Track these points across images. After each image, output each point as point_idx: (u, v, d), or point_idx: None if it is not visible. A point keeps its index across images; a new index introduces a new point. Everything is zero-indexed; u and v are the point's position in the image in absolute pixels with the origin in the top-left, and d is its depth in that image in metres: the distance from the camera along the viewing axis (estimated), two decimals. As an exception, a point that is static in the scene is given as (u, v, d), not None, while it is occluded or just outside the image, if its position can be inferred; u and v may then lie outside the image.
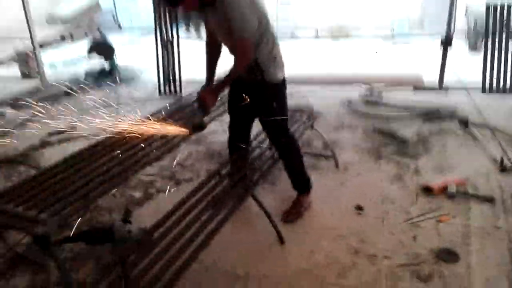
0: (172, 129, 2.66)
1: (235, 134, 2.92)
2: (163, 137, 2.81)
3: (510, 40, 4.84)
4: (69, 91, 5.80)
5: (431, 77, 5.74)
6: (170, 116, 3.13)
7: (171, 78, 5.68)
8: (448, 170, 3.36)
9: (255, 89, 2.52)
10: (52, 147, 4.25)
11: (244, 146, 2.98)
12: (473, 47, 6.77)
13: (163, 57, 5.63)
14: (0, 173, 3.74)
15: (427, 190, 3.08)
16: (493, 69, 4.90)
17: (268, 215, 2.60)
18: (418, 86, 5.29)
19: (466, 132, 3.99)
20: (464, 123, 4.10)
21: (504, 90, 4.88)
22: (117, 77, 6.37)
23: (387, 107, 4.69)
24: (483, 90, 4.94)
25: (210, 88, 2.55)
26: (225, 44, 2.52)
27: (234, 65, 2.39)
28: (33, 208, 1.99)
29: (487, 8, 4.91)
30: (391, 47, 7.77)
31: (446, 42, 5.03)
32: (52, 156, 4.01)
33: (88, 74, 6.56)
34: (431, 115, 4.36)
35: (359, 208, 2.92)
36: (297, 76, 5.73)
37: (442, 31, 8.02)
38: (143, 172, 3.23)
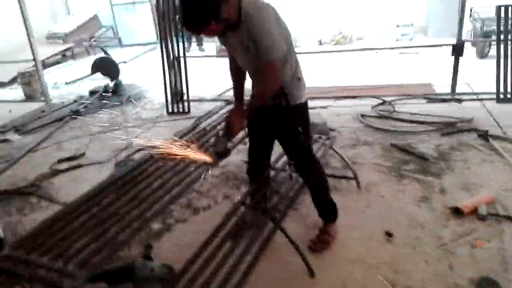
0: (196, 156, 2.57)
1: (256, 160, 2.83)
2: (186, 165, 2.70)
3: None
4: (74, 114, 5.72)
5: (440, 85, 5.70)
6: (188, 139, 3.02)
7: (179, 96, 5.58)
8: (474, 189, 3.27)
9: (278, 113, 2.43)
10: (63, 175, 4.14)
11: (265, 174, 2.90)
12: (481, 53, 6.69)
13: (170, 74, 5.54)
14: (12, 206, 3.63)
15: (457, 212, 2.98)
16: (506, 76, 4.80)
17: (297, 248, 2.50)
18: (430, 97, 5.20)
19: (487, 146, 3.89)
20: (484, 136, 4.02)
21: (519, 100, 4.80)
22: (123, 97, 6.28)
23: (402, 121, 4.60)
24: (498, 99, 4.85)
25: (238, 111, 2.45)
26: (247, 67, 2.41)
27: (262, 88, 2.30)
28: (58, 257, 1.88)
29: (498, 11, 4.82)
30: (397, 56, 7.68)
31: (457, 50, 4.95)
32: (63, 185, 3.91)
33: (93, 94, 6.48)
34: (448, 128, 4.27)
35: (389, 234, 2.81)
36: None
37: (447, 37, 8.01)
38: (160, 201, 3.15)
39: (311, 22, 8.72)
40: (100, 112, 5.84)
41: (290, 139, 2.52)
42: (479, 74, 5.85)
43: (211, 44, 9.09)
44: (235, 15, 2.14)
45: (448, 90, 5.41)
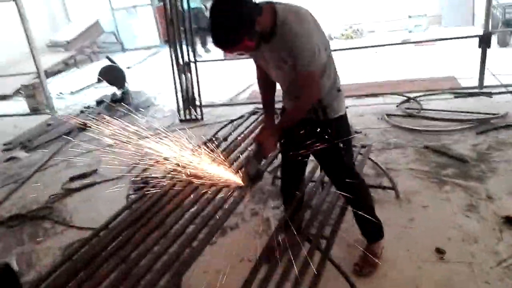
0: (225, 177, 2.31)
1: (290, 177, 2.59)
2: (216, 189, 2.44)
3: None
4: (82, 126, 5.47)
5: (464, 78, 5.42)
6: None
7: (190, 102, 5.33)
8: (524, 193, 3.01)
9: (316, 129, 2.18)
10: (76, 194, 3.91)
11: (300, 192, 2.65)
12: (502, 41, 6.39)
13: (180, 80, 5.28)
14: (24, 233, 3.40)
15: (509, 221, 2.72)
16: (540, 68, 4.52)
17: (347, 277, 2.24)
18: (457, 92, 4.92)
19: (529, 143, 3.63)
20: (524, 133, 3.75)
21: (554, 90, 4.51)
22: (132, 105, 6.03)
23: (431, 119, 4.33)
24: (531, 91, 4.57)
25: (269, 130, 2.19)
26: (280, 80, 2.18)
27: (300, 103, 2.06)
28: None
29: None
30: (413, 48, 7.37)
31: (485, 41, 4.66)
32: (77, 206, 3.68)
33: (100, 104, 6.24)
34: (483, 126, 4.00)
35: (440, 251, 2.55)
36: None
37: (462, 25, 7.70)
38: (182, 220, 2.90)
39: (320, 17, 8.39)
40: (109, 122, 5.59)
41: (330, 158, 2.25)
42: (503, 64, 5.55)
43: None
44: (269, 25, 1.90)
45: (474, 83, 5.12)
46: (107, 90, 6.73)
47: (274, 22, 1.89)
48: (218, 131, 4.27)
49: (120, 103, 6.18)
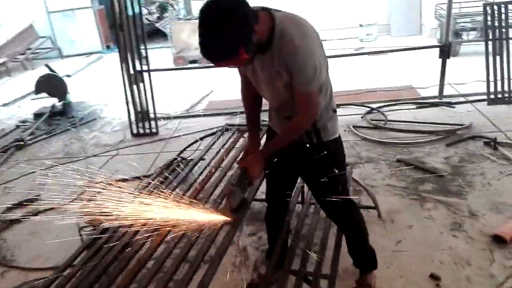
0: (204, 219, 1.97)
1: (276, 205, 2.32)
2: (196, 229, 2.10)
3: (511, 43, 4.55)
4: (19, 142, 4.87)
5: (421, 88, 5.45)
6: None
7: (143, 115, 4.90)
8: (505, 208, 2.94)
9: (307, 153, 1.93)
10: (18, 227, 3.37)
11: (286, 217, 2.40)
12: (453, 51, 6.52)
13: (132, 90, 4.84)
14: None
15: (497, 239, 2.64)
16: (496, 77, 4.60)
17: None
18: (419, 102, 4.91)
19: (498, 155, 3.61)
20: (491, 144, 3.74)
21: (510, 100, 4.60)
22: (75, 119, 5.48)
23: (399, 131, 4.25)
24: (489, 101, 4.64)
25: (255, 155, 1.91)
26: (271, 97, 1.89)
27: (296, 124, 1.81)
28: None
29: (484, 9, 4.60)
30: (364, 57, 7.38)
31: (446, 51, 4.69)
32: (20, 241, 3.16)
33: (38, 118, 5.61)
34: (451, 137, 3.98)
35: (435, 278, 2.39)
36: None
37: (409, 35, 7.86)
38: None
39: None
40: (50, 139, 5.03)
41: (324, 185, 1.98)
42: (456, 73, 5.65)
43: (166, 51, 8.41)
44: (266, 34, 1.62)
45: (432, 92, 5.16)
46: (46, 101, 6.09)
47: (271, 31, 1.62)
48: (183, 150, 3.89)
49: (62, 116, 5.62)
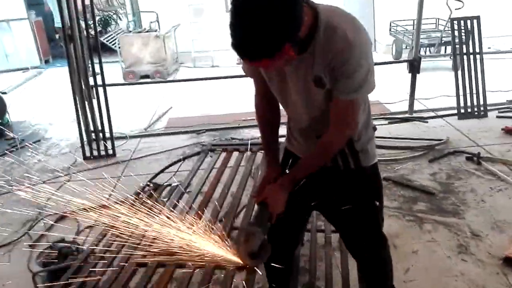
0: (217, 259, 1.58)
1: (284, 247, 1.80)
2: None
3: (477, 58, 4.58)
4: None
5: (388, 103, 5.39)
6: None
7: (96, 135, 4.36)
8: (507, 227, 2.81)
9: (341, 181, 1.59)
10: None
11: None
12: (412, 67, 6.60)
13: (84, 108, 4.30)
14: None
15: (508, 261, 2.47)
16: (466, 92, 4.61)
17: None
18: (391, 118, 4.80)
19: (483, 170, 3.53)
20: (473, 159, 3.66)
21: (480, 114, 4.61)
22: (15, 141, 4.81)
23: (379, 147, 4.07)
24: (459, 115, 4.62)
25: (277, 185, 1.53)
26: (302, 111, 1.51)
27: (326, 143, 1.47)
28: None
29: (452, 24, 4.62)
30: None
31: (415, 66, 4.64)
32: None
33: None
34: (431, 153, 3.87)
35: (457, 310, 2.16)
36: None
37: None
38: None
39: (229, 40, 8.00)
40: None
41: (360, 220, 1.63)
42: (419, 88, 5.65)
43: (114, 66, 7.82)
44: (307, 28, 1.29)
45: (400, 108, 5.10)
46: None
47: (314, 25, 1.30)
48: (156, 175, 3.39)
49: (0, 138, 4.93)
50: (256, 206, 1.54)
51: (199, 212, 1.85)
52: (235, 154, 2.50)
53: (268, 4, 1.12)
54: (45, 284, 2.41)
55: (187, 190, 2.26)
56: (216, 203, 2.03)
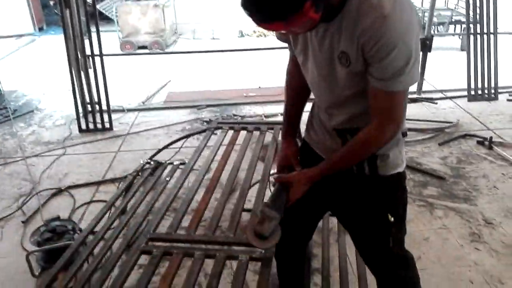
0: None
1: (295, 241, 1.68)
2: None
3: (491, 38, 4.40)
4: None
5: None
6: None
7: (92, 107, 4.18)
8: (519, 214, 2.72)
9: (353, 186, 1.42)
10: None
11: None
12: (423, 45, 6.42)
13: (80, 78, 4.11)
14: None
15: (522, 251, 2.38)
16: (477, 73, 4.45)
17: None
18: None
19: (494, 155, 3.41)
20: (485, 144, 3.54)
21: (490, 97, 4.47)
22: (7, 111, 4.62)
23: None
24: (469, 97, 4.48)
25: (305, 173, 1.37)
26: (322, 91, 1.34)
27: (364, 139, 1.27)
28: None
29: (467, 2, 4.42)
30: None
31: (426, 46, 4.46)
32: None
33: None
34: (441, 136, 3.74)
35: (473, 303, 2.07)
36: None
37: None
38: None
39: (232, 11, 7.70)
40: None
41: (370, 234, 1.47)
42: (428, 68, 5.49)
43: (110, 36, 7.54)
44: None
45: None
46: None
47: None
48: (158, 151, 3.21)
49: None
50: (274, 186, 1.39)
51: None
52: (243, 133, 2.35)
53: None
54: (40, 264, 2.31)
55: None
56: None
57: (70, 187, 3.16)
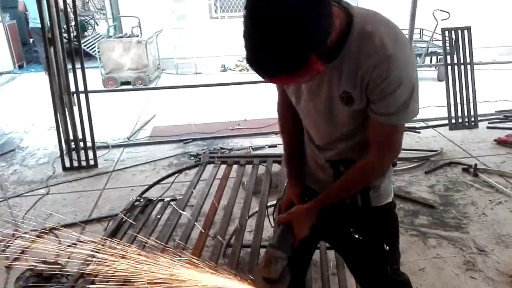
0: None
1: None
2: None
3: (468, 68, 4.56)
4: None
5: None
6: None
7: (76, 144, 4.11)
8: (510, 240, 2.75)
9: (346, 218, 1.43)
10: None
11: None
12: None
13: (64, 115, 4.04)
14: None
15: (518, 279, 2.39)
16: (456, 102, 4.58)
17: None
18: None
19: (480, 182, 3.46)
20: (470, 171, 3.60)
21: (470, 125, 4.59)
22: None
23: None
24: (451, 126, 4.58)
25: (306, 207, 1.37)
26: (320, 129, 1.35)
27: (363, 170, 1.29)
28: None
29: (443, 34, 4.60)
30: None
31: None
32: None
33: None
34: (427, 164, 3.80)
35: (474, 334, 2.05)
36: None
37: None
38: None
39: (214, 46, 7.82)
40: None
41: (367, 264, 1.48)
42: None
43: (92, 72, 7.53)
44: (338, 34, 1.11)
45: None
46: None
47: (346, 31, 1.12)
48: (149, 187, 3.13)
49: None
50: (280, 229, 1.37)
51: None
52: (235, 167, 2.34)
53: (289, 5, 0.93)
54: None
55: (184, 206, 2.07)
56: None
57: (54, 228, 3.05)
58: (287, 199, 1.49)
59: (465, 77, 4.57)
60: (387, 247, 1.42)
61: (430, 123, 4.78)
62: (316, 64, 1.01)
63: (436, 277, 2.46)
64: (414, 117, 1.20)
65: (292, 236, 1.34)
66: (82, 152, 4.11)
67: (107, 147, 4.51)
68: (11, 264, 2.65)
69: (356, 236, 1.43)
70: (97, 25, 10.69)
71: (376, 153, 1.25)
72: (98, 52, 7.38)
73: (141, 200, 2.54)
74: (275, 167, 2.46)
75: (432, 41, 6.48)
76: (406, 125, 4.54)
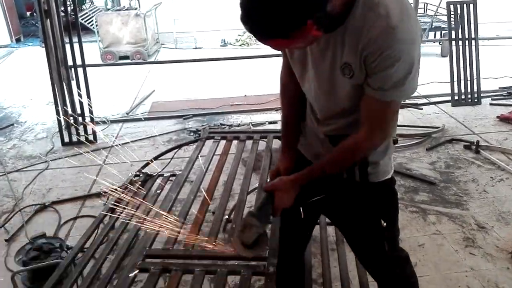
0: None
1: (293, 255, 1.68)
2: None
3: (473, 43, 4.48)
4: None
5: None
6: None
7: (75, 119, 4.07)
8: (511, 217, 2.74)
9: (343, 192, 1.41)
10: None
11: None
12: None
13: (62, 89, 4.00)
14: None
15: (517, 256, 2.39)
16: (460, 79, 4.51)
17: None
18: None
19: (482, 159, 3.44)
20: (471, 148, 3.57)
21: (473, 102, 4.54)
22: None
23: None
24: (453, 103, 4.53)
25: (290, 179, 1.34)
26: (321, 101, 1.32)
27: (352, 145, 1.25)
28: None
29: (448, 8, 4.49)
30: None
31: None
32: None
33: None
34: (429, 141, 3.77)
35: (472, 308, 2.06)
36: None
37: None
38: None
39: (214, 20, 7.67)
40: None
41: (364, 239, 1.48)
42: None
43: (90, 46, 7.43)
44: (341, 2, 1.06)
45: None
46: None
47: (350, 1, 1.08)
48: (148, 163, 3.09)
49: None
50: (264, 196, 1.36)
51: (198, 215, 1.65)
52: (234, 142, 2.31)
53: None
54: (26, 285, 2.21)
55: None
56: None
57: (54, 202, 3.06)
58: (276, 169, 1.48)
59: (469, 52, 4.49)
60: (384, 223, 1.42)
61: (433, 100, 4.73)
62: (312, 31, 0.99)
63: (436, 252, 2.46)
64: (408, 97, 1.20)
65: (272, 206, 1.33)
66: (81, 127, 4.08)
67: (106, 122, 4.48)
68: (11, 238, 2.67)
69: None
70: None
71: (365, 130, 1.22)
72: (96, 25, 7.25)
73: (141, 175, 2.52)
74: (276, 143, 2.44)
75: (436, 15, 6.35)
76: (408, 101, 4.57)
